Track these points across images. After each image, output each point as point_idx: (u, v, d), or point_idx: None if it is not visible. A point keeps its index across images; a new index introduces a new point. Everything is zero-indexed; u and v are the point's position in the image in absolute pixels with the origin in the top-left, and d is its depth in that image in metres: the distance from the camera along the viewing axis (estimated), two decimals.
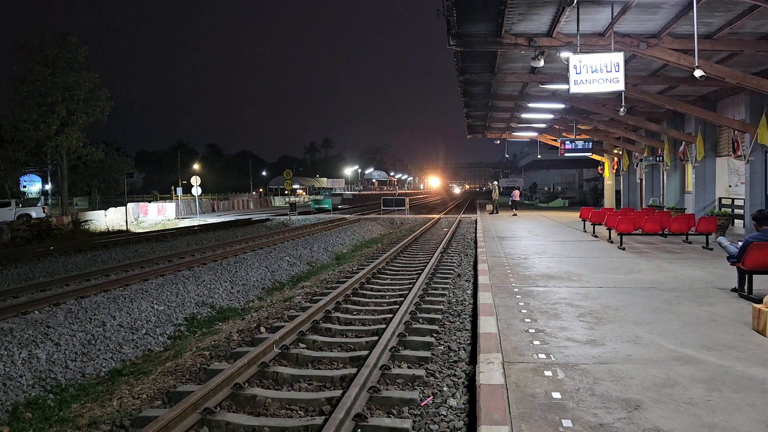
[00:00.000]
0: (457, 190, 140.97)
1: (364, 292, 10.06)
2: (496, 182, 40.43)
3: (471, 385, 5.29)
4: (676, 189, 23.24)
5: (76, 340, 7.37)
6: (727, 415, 3.99)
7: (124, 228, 30.33)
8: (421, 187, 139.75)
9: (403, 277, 11.64)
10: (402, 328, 7.23)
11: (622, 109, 13.77)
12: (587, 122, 25.97)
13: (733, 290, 8.13)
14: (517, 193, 32.85)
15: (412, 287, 9.71)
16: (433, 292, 9.73)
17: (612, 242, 14.84)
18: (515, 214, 29.42)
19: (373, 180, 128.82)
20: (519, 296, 8.21)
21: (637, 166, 29.43)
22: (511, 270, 10.65)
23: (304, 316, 7.65)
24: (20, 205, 34.33)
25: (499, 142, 38.93)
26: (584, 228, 19.06)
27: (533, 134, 33.64)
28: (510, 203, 32.95)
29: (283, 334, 6.82)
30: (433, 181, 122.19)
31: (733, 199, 18.59)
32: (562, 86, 16.37)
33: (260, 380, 5.74)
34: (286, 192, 65.48)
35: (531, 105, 21.95)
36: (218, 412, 4.84)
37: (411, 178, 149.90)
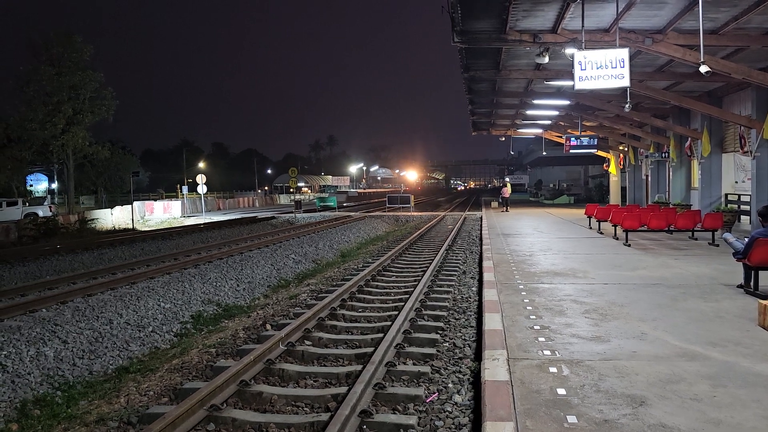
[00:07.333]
0: (461, 187, 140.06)
1: (370, 289, 10.08)
2: (507, 179, 40.58)
3: (476, 382, 5.30)
4: (682, 185, 23.13)
5: (84, 337, 7.43)
6: (733, 411, 3.99)
7: (131, 226, 30.48)
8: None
9: (408, 274, 11.65)
10: (407, 325, 7.24)
11: (627, 106, 13.70)
12: (592, 119, 25.85)
13: (739, 286, 8.10)
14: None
15: (417, 284, 9.72)
16: (438, 289, 9.74)
17: (617, 239, 14.80)
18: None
19: (378, 177, 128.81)
20: (524, 293, 8.20)
21: (642, 162, 29.32)
22: (516, 267, 10.64)
23: (310, 314, 7.68)
24: (27, 203, 34.55)
25: (504, 138, 38.93)
26: (590, 225, 19.02)
27: (538, 131, 33.55)
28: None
29: (288, 331, 6.86)
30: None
31: (739, 195, 18.48)
32: (567, 83, 16.31)
33: (266, 377, 5.77)
34: (291, 190, 65.53)
35: (536, 102, 21.88)
36: (225, 409, 4.87)
37: (415, 175, 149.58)
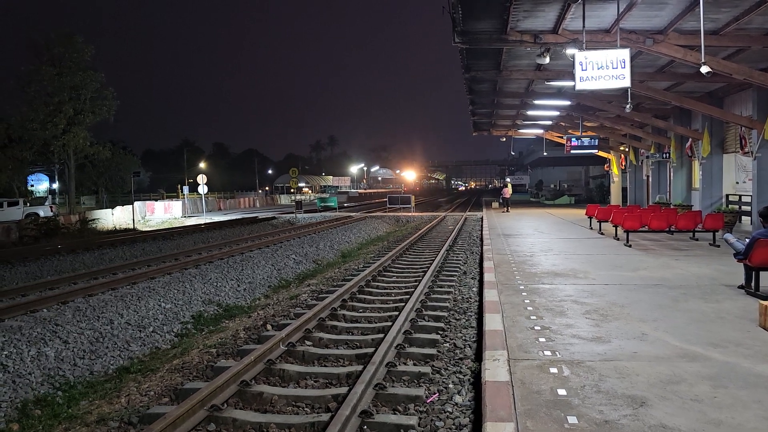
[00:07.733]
0: (461, 187, 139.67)
1: (370, 289, 10.08)
2: (508, 179, 40.72)
3: (476, 382, 5.30)
4: (683, 186, 23.13)
5: (84, 337, 7.43)
6: (733, 412, 3.98)
7: (131, 226, 30.49)
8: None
9: (408, 274, 11.65)
10: (408, 326, 7.24)
11: (628, 106, 13.69)
12: (593, 119, 25.86)
13: (740, 287, 8.09)
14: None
15: (418, 285, 9.72)
16: (438, 289, 9.74)
17: (618, 239, 14.79)
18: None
19: (379, 178, 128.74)
20: (525, 293, 8.20)
21: (643, 162, 29.31)
22: (516, 267, 10.64)
23: (311, 314, 7.68)
24: (28, 204, 34.56)
25: (504, 139, 38.96)
26: (590, 225, 19.01)
27: (539, 131, 33.57)
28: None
29: (289, 331, 6.86)
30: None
31: (740, 196, 18.48)
32: (568, 83, 16.32)
33: (267, 377, 5.78)
34: (292, 190, 65.51)
35: (537, 102, 21.88)
36: (225, 409, 4.87)
37: (416, 175, 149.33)
